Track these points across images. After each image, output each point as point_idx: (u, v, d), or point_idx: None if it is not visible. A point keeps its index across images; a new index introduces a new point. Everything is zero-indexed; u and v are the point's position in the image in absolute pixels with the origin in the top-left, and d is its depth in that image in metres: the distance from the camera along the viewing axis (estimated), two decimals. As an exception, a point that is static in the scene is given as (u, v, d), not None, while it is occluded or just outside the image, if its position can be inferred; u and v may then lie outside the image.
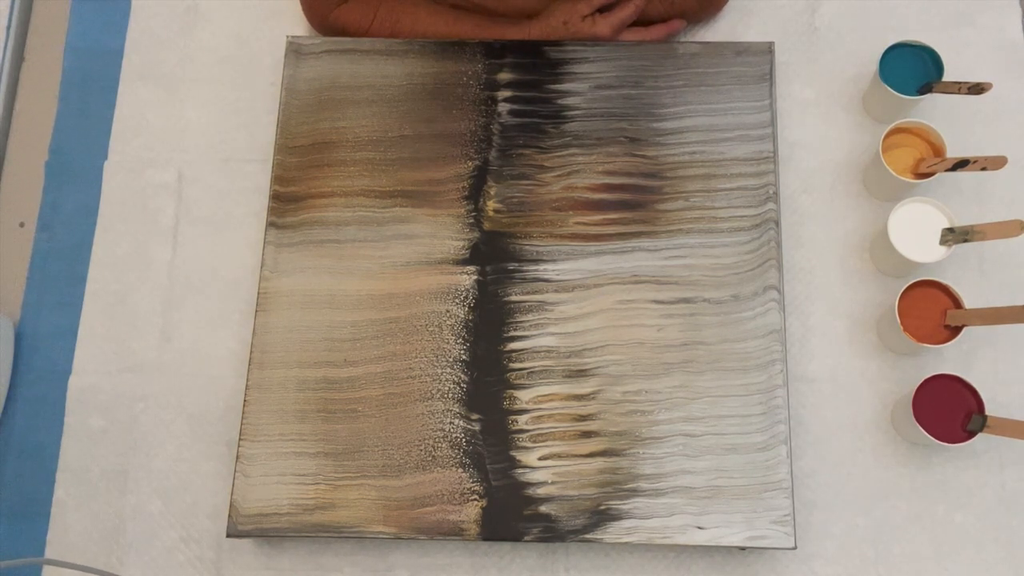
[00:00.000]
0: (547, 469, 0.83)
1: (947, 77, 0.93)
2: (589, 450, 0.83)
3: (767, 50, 0.94)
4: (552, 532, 0.81)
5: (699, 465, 0.83)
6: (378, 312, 0.87)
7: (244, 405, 0.85)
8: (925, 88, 0.92)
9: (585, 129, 0.92)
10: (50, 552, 0.88)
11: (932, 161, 0.90)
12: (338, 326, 0.87)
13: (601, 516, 0.81)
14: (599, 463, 0.83)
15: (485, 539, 0.81)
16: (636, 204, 0.90)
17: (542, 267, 0.88)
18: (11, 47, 1.05)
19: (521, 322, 0.87)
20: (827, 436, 0.89)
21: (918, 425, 0.83)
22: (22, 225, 1.00)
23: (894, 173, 0.90)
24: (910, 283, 0.87)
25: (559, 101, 0.93)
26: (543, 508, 0.82)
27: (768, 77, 0.93)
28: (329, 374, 0.86)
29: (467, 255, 0.89)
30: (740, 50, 0.94)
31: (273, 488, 0.83)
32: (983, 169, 0.86)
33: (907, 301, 0.87)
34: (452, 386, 0.85)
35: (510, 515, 0.82)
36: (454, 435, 0.84)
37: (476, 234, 0.89)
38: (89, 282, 0.96)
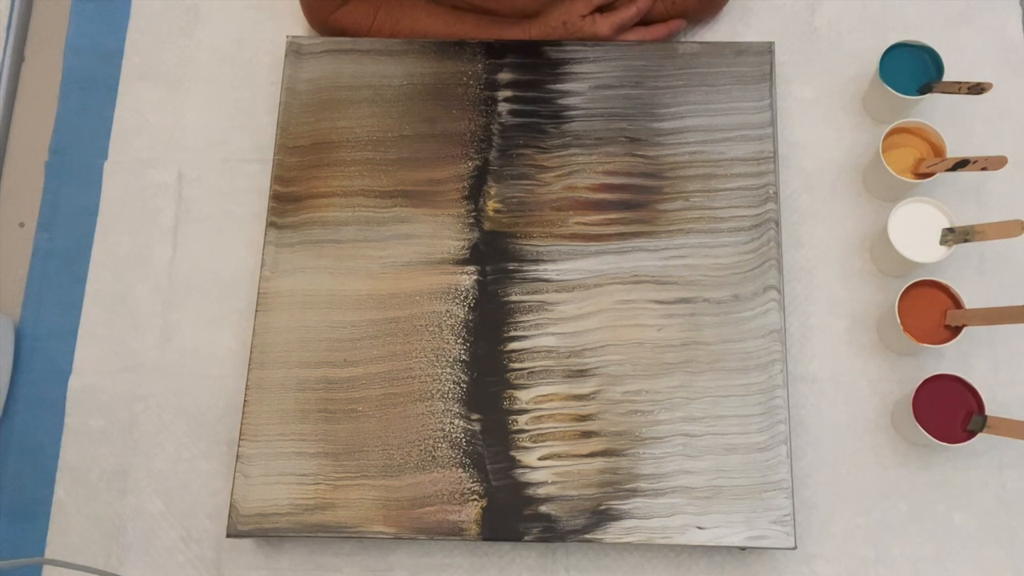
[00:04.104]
0: (547, 469, 0.83)
1: (947, 77, 0.93)
2: (589, 450, 0.83)
3: (767, 50, 0.94)
4: (552, 532, 0.81)
5: (699, 465, 0.83)
6: (378, 312, 0.87)
7: (244, 405, 0.85)
8: (925, 88, 0.92)
9: (585, 129, 0.92)
10: (50, 552, 0.88)
11: (932, 161, 0.90)
12: (338, 326, 0.87)
13: (601, 516, 0.81)
14: (599, 463, 0.83)
15: (485, 539, 0.81)
16: (636, 204, 0.90)
17: (542, 267, 0.88)
18: (11, 47, 1.04)
19: (521, 322, 0.87)
20: (827, 436, 0.89)
21: (918, 425, 0.83)
22: (22, 225, 1.00)
23: (894, 173, 0.90)
24: (910, 283, 0.87)
25: (559, 101, 0.93)
26: (543, 508, 0.82)
27: (768, 77, 0.93)
28: (329, 374, 0.86)
29: (467, 255, 0.89)
30: (740, 50, 0.94)
31: (273, 488, 0.83)
32: (983, 169, 0.85)
33: (907, 301, 0.87)
34: (452, 386, 0.85)
35: (510, 515, 0.82)
36: (454, 435, 0.84)
37: (476, 234, 0.89)
38: (89, 282, 0.96)
